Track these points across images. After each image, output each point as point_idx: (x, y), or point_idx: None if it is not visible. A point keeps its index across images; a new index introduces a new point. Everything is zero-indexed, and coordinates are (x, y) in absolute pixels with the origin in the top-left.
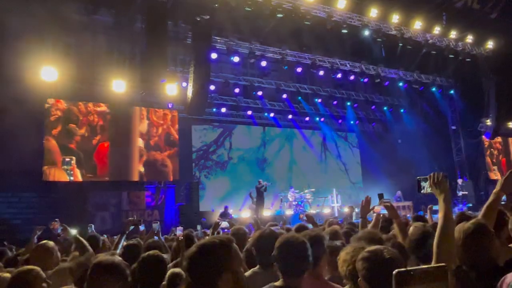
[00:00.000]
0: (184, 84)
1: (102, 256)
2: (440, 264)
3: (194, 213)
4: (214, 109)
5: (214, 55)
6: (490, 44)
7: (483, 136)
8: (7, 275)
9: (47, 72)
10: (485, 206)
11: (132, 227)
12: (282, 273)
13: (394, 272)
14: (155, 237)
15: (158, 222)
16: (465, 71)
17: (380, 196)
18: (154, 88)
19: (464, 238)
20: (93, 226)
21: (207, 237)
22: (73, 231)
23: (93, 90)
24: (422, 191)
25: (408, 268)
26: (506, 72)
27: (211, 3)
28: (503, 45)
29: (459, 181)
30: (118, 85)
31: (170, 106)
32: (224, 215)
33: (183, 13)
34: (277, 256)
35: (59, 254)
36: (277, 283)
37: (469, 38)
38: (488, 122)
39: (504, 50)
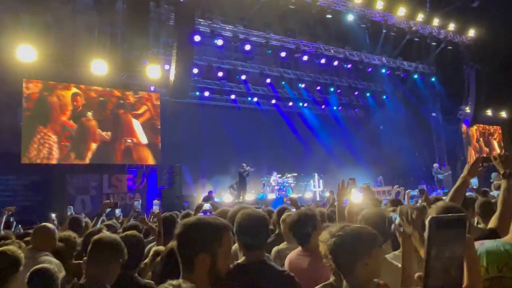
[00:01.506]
0: (167, 66)
1: (102, 234)
2: (461, 214)
3: (176, 196)
4: (197, 93)
5: (197, 38)
6: (471, 33)
7: (462, 123)
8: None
9: (23, 52)
10: (452, 189)
11: (108, 209)
12: (243, 247)
13: (428, 218)
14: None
15: (140, 200)
16: (447, 59)
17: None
18: (135, 70)
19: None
20: (72, 208)
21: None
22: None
23: (72, 71)
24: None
25: (440, 216)
26: (486, 60)
27: None
28: (484, 34)
29: (435, 165)
30: (99, 66)
31: (152, 89)
32: (208, 199)
33: None
34: (238, 231)
35: (57, 235)
36: (240, 260)
37: (451, 26)
38: (468, 109)
39: (485, 39)
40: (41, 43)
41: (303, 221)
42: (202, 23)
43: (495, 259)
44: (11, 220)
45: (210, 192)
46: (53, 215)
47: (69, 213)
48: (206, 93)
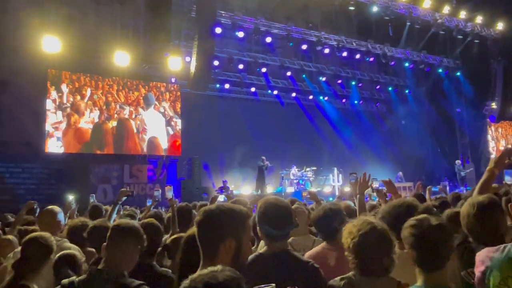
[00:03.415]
0: (188, 59)
1: (121, 220)
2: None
3: (196, 188)
4: (218, 85)
5: (218, 30)
6: (499, 26)
7: (488, 119)
8: (11, 236)
9: (48, 43)
10: (479, 183)
11: (124, 198)
12: (266, 238)
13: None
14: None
15: (160, 190)
16: (473, 53)
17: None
18: (157, 62)
19: (477, 210)
20: (94, 196)
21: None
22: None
23: (96, 62)
24: None
25: None
26: None
27: None
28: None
29: (457, 162)
30: (121, 58)
31: (173, 81)
32: (223, 189)
33: None
34: (261, 220)
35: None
36: (262, 250)
37: (479, 19)
38: (494, 105)
39: None
40: (65, 34)
41: (329, 216)
42: (223, 15)
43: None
44: (35, 207)
45: (224, 182)
46: (70, 198)
47: (91, 201)
48: (227, 86)
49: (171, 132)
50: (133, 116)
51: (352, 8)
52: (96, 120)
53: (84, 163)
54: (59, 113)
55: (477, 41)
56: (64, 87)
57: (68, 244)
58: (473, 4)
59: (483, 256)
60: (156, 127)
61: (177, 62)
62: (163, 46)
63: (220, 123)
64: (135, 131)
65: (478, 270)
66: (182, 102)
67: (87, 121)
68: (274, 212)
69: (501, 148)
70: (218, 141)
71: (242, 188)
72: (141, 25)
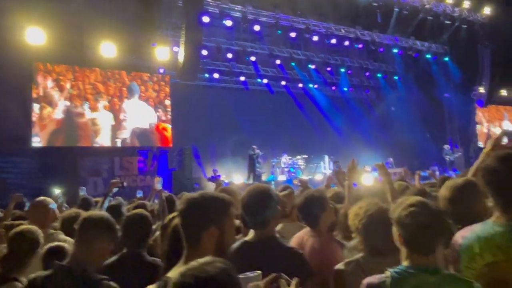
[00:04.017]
0: (176, 49)
1: (91, 211)
2: None
3: (187, 178)
4: (207, 75)
5: (206, 19)
6: (486, 11)
7: (476, 104)
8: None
9: (33, 34)
10: (474, 165)
11: (116, 189)
12: (250, 225)
13: None
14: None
15: (161, 178)
16: (461, 38)
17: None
18: (144, 53)
19: (453, 192)
20: (84, 189)
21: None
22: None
23: (82, 54)
24: None
25: None
26: (502, 39)
27: None
28: (500, 12)
29: (446, 146)
30: (108, 49)
31: (161, 71)
32: (214, 177)
33: None
34: (242, 210)
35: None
36: (248, 238)
37: (466, 4)
38: (481, 90)
39: (501, 17)
40: (50, 25)
41: (311, 203)
42: (210, 3)
43: (487, 245)
44: (24, 201)
45: (214, 171)
46: (57, 191)
47: (81, 194)
48: (216, 75)
49: (159, 122)
50: (117, 108)
51: None
52: (75, 112)
53: (72, 156)
54: (36, 106)
55: (464, 26)
56: (49, 80)
57: (63, 236)
58: None
59: (458, 237)
60: (142, 117)
61: (165, 52)
62: (151, 36)
63: (210, 112)
64: (112, 123)
65: (453, 250)
66: (171, 93)
67: (65, 113)
68: (248, 199)
69: (486, 131)
70: (209, 131)
71: (234, 177)
72: (128, 15)
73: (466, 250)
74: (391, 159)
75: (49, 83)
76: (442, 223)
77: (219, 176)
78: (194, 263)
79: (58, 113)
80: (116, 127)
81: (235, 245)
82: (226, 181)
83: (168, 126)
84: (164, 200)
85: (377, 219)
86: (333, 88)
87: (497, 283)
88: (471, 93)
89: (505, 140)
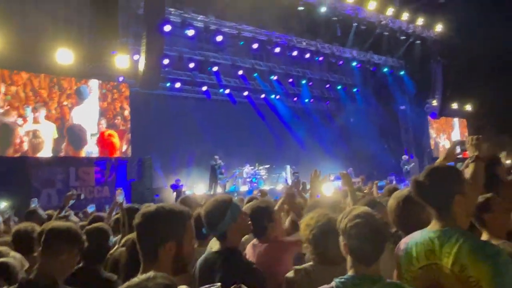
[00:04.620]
0: (136, 57)
1: (56, 222)
2: None
3: (147, 189)
4: (168, 84)
5: (168, 28)
6: (439, 28)
7: (429, 116)
8: None
9: None
10: None
11: (72, 201)
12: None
13: None
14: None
15: (122, 191)
16: (415, 53)
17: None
18: (103, 60)
19: (398, 202)
20: (36, 200)
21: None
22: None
23: (37, 60)
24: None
25: None
26: (452, 55)
27: None
28: (450, 29)
29: (403, 157)
30: (64, 55)
31: (120, 80)
32: (176, 186)
33: None
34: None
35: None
36: (214, 248)
37: (420, 21)
38: (434, 103)
39: (451, 34)
40: (3, 30)
41: (257, 214)
42: (172, 12)
43: (422, 249)
44: None
45: (177, 181)
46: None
47: (32, 206)
48: (177, 84)
49: (106, 129)
50: (65, 115)
51: (301, 8)
52: (18, 120)
53: (24, 166)
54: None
55: (418, 42)
56: (3, 85)
57: (11, 252)
58: (414, 7)
59: (401, 243)
60: (89, 123)
61: (125, 61)
62: (110, 43)
63: (172, 122)
64: (56, 136)
65: (396, 256)
66: (131, 102)
67: (26, 122)
68: (206, 210)
69: (438, 142)
70: (171, 141)
71: (197, 188)
72: (86, 21)
73: (406, 255)
74: (351, 169)
75: (4, 89)
76: (385, 234)
77: (181, 186)
78: (135, 279)
79: (14, 121)
80: (59, 137)
81: (203, 255)
82: (188, 191)
83: (115, 133)
84: (125, 213)
85: (326, 230)
86: (295, 99)
87: (431, 284)
88: (425, 105)
89: (458, 150)
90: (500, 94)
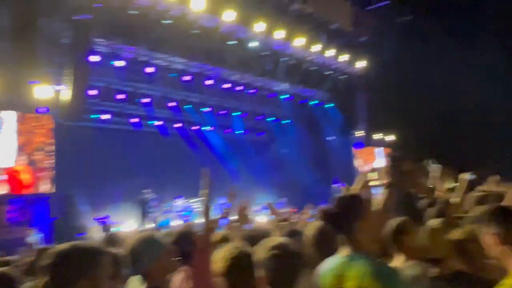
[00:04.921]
0: (59, 87)
1: None
2: None
3: (71, 227)
4: (96, 115)
5: (96, 58)
6: (362, 63)
7: (353, 147)
8: None
9: None
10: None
11: None
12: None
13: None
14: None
15: (35, 231)
16: (341, 87)
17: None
18: (23, 90)
19: (314, 231)
20: None
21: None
22: None
23: None
24: None
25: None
26: (375, 89)
27: (91, 2)
28: (373, 65)
29: (334, 186)
30: None
31: (43, 111)
32: (102, 222)
33: (59, 10)
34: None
35: None
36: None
37: (345, 57)
38: (359, 134)
39: (374, 70)
40: None
41: (181, 241)
42: (101, 43)
43: (331, 273)
44: None
45: (106, 217)
46: None
47: None
48: (106, 116)
49: (35, 167)
50: None
51: (233, 42)
52: None
53: None
54: None
55: (343, 76)
56: None
57: None
58: (340, 43)
59: (318, 269)
60: (12, 161)
61: (48, 91)
62: (31, 73)
63: (100, 155)
64: None
65: (314, 281)
66: (56, 135)
67: None
68: (129, 249)
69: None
70: (99, 175)
71: (127, 224)
72: (4, 49)
73: (320, 280)
74: (285, 199)
75: None
76: (300, 263)
77: (110, 222)
78: None
79: None
80: None
81: None
82: (118, 228)
83: (24, 168)
84: (40, 256)
85: (239, 262)
86: (228, 130)
87: None
88: (351, 136)
89: (374, 177)
90: (413, 127)
